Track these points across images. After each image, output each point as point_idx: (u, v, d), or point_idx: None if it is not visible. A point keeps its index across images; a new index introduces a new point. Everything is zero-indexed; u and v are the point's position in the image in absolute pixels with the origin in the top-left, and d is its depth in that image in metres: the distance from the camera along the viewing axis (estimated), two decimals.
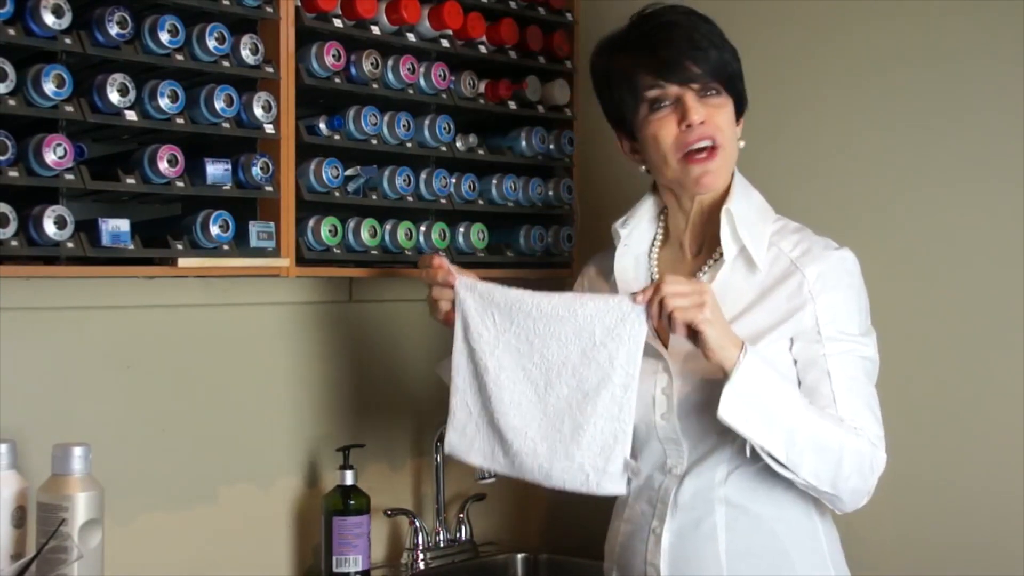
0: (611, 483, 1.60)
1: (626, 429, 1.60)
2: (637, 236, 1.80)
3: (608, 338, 1.59)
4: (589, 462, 1.61)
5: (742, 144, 1.74)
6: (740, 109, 1.74)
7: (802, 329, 1.64)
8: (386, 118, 1.98)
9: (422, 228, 2.05)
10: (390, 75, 1.99)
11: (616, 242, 1.81)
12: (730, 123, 1.70)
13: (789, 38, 2.17)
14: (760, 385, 1.55)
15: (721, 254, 1.70)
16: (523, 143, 2.22)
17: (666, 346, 1.70)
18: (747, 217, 1.70)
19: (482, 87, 2.18)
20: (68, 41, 1.61)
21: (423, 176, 2.05)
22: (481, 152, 2.17)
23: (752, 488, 1.66)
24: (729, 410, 1.54)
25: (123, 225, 1.67)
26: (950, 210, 1.98)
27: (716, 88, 1.68)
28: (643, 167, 1.77)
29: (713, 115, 1.67)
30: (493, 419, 1.67)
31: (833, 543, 1.73)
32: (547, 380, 1.64)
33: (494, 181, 2.17)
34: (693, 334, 1.55)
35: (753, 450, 1.59)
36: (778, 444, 1.56)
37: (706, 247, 1.75)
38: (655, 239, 1.81)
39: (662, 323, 1.57)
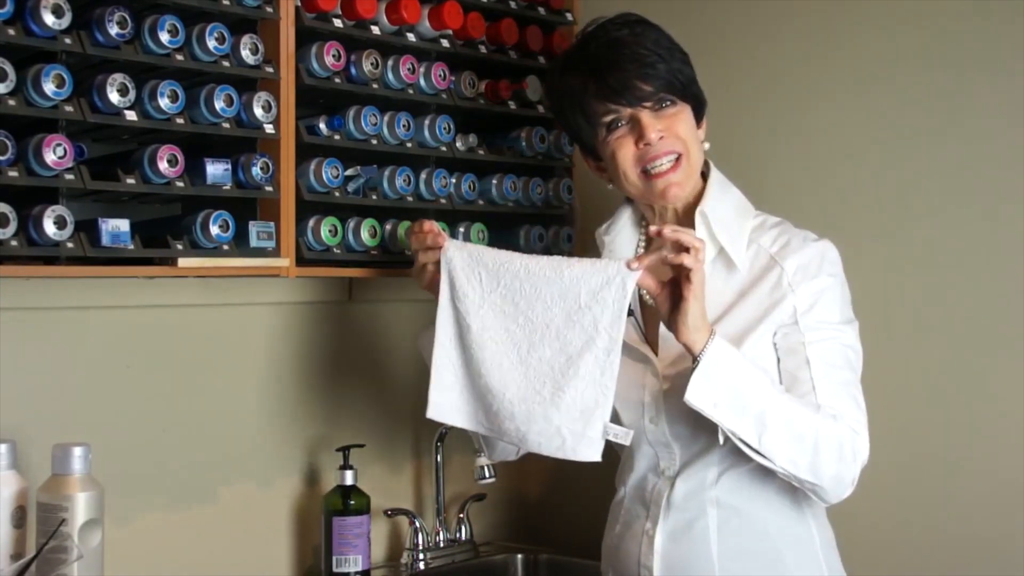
0: (588, 448, 1.59)
1: (607, 394, 1.58)
2: (620, 242, 1.80)
3: (593, 301, 1.58)
4: (567, 425, 1.59)
5: (707, 146, 1.74)
6: (700, 111, 1.74)
7: (782, 321, 1.64)
8: (386, 118, 1.98)
9: None
10: (390, 75, 1.99)
11: (600, 249, 1.81)
12: (690, 129, 1.69)
13: (785, 38, 2.17)
14: (729, 369, 1.54)
15: None
16: (523, 143, 2.22)
17: (655, 352, 1.70)
18: (724, 217, 1.70)
19: (482, 87, 2.18)
20: (68, 41, 1.61)
21: (423, 176, 2.05)
22: (481, 152, 2.17)
23: (743, 489, 1.66)
24: (697, 394, 1.53)
25: (123, 225, 1.67)
26: (948, 207, 1.98)
27: (671, 99, 1.68)
28: (610, 185, 1.77)
29: (672, 125, 1.67)
30: (474, 380, 1.66)
31: (827, 542, 1.73)
32: (530, 342, 1.63)
33: (494, 181, 2.17)
34: (675, 301, 1.54)
35: (743, 449, 1.58)
36: (749, 429, 1.54)
37: None
38: (638, 245, 1.81)
39: (654, 280, 1.56)
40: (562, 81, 1.74)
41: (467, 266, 1.67)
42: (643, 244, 1.80)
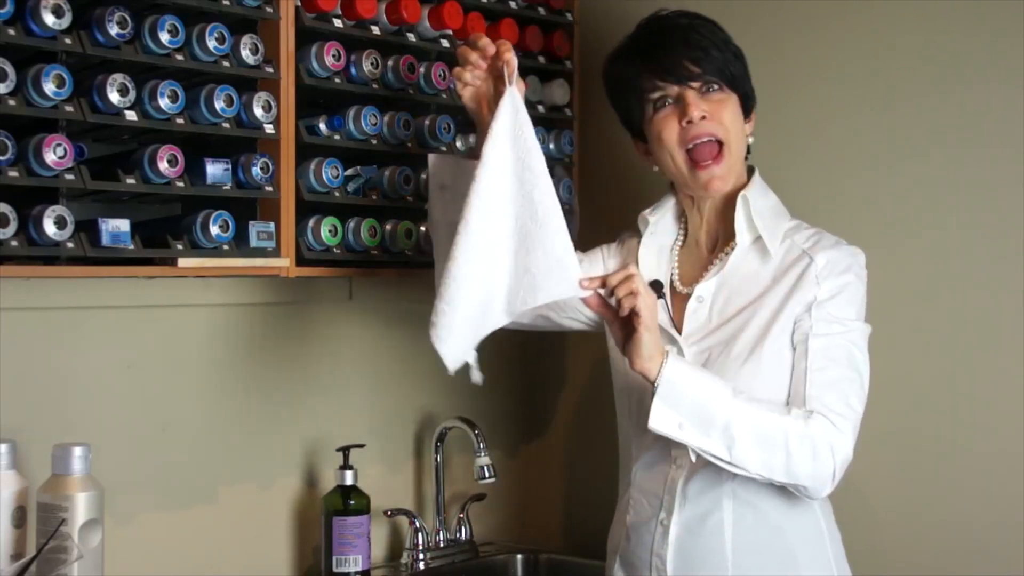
0: (567, 285, 1.59)
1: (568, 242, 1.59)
2: (663, 228, 1.83)
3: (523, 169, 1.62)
4: (543, 273, 1.59)
5: (751, 140, 1.75)
6: (748, 106, 1.76)
7: (800, 311, 1.66)
8: (386, 118, 1.98)
9: (422, 228, 2.05)
10: (390, 75, 1.99)
11: (643, 228, 1.83)
12: (735, 118, 1.72)
13: (806, 46, 2.15)
14: (687, 386, 1.57)
15: (735, 245, 1.71)
16: None
17: (680, 332, 1.71)
18: (763, 209, 1.73)
19: None
20: (68, 41, 1.61)
21: (423, 176, 2.05)
22: None
23: (760, 484, 1.66)
24: (660, 419, 1.57)
25: (123, 225, 1.67)
26: (953, 211, 1.98)
27: (718, 84, 1.71)
28: (655, 168, 1.79)
29: (716, 110, 1.70)
30: (474, 289, 1.62)
31: (836, 543, 1.74)
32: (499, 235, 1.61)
33: None
34: (627, 332, 1.58)
35: (715, 463, 1.59)
36: (718, 444, 1.57)
37: (721, 240, 1.78)
38: (677, 238, 1.83)
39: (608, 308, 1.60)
40: (615, 67, 1.78)
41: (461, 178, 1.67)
42: (681, 240, 1.83)
